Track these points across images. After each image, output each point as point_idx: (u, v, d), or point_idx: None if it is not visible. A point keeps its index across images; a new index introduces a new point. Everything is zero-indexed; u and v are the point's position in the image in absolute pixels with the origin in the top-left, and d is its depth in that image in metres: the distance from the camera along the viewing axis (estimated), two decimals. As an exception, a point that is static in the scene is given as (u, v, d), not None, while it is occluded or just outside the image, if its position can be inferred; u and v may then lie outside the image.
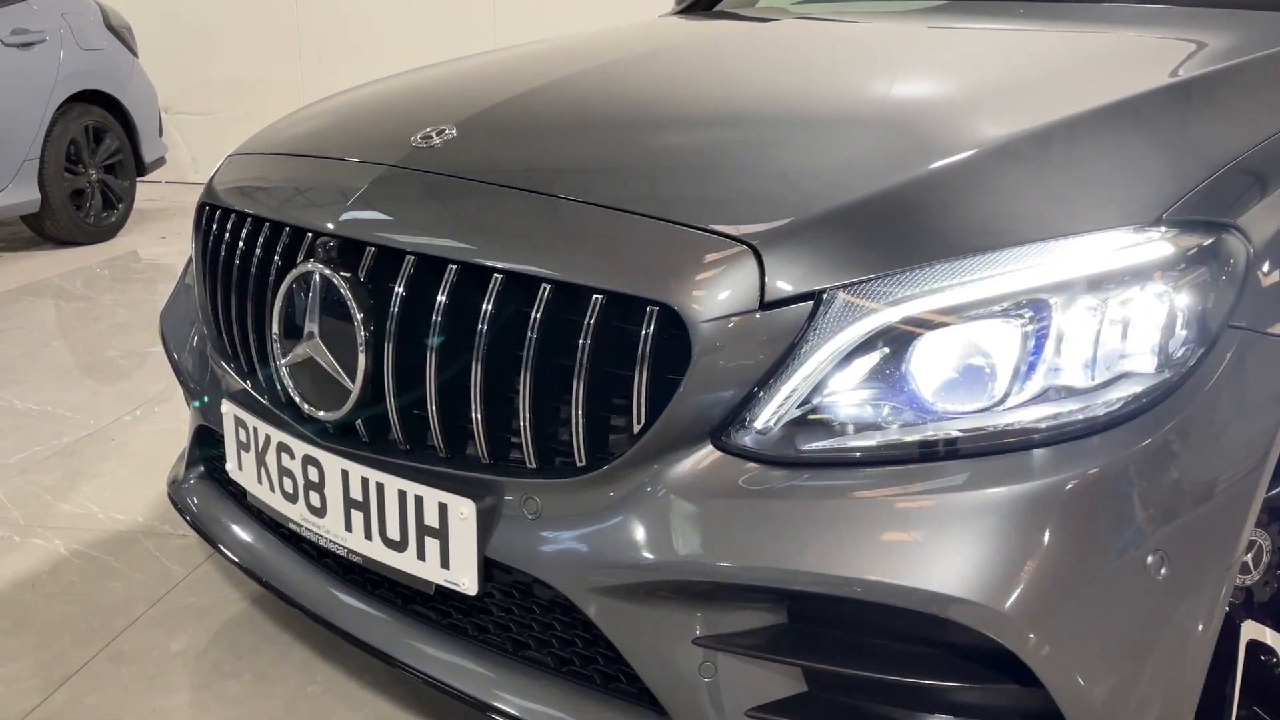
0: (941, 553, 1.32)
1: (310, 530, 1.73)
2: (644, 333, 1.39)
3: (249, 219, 1.82)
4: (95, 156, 6.16)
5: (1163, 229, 1.41)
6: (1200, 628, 1.38)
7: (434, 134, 1.76)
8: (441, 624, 1.70)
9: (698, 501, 1.41)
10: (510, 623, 1.64)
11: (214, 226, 1.92)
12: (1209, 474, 1.36)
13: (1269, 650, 1.78)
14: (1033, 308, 1.36)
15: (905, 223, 1.44)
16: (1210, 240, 1.42)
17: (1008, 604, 1.29)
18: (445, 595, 1.61)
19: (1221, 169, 1.51)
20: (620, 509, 1.43)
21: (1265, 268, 1.44)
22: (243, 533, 1.98)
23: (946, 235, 1.42)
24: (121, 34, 6.49)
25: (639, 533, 1.42)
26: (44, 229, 5.99)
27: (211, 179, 2.04)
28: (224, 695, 2.09)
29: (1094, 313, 1.36)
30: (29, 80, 5.71)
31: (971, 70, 2.02)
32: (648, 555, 1.41)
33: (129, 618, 2.35)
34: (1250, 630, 1.76)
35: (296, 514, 1.75)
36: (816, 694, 1.46)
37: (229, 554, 1.96)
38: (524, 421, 1.47)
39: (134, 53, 6.63)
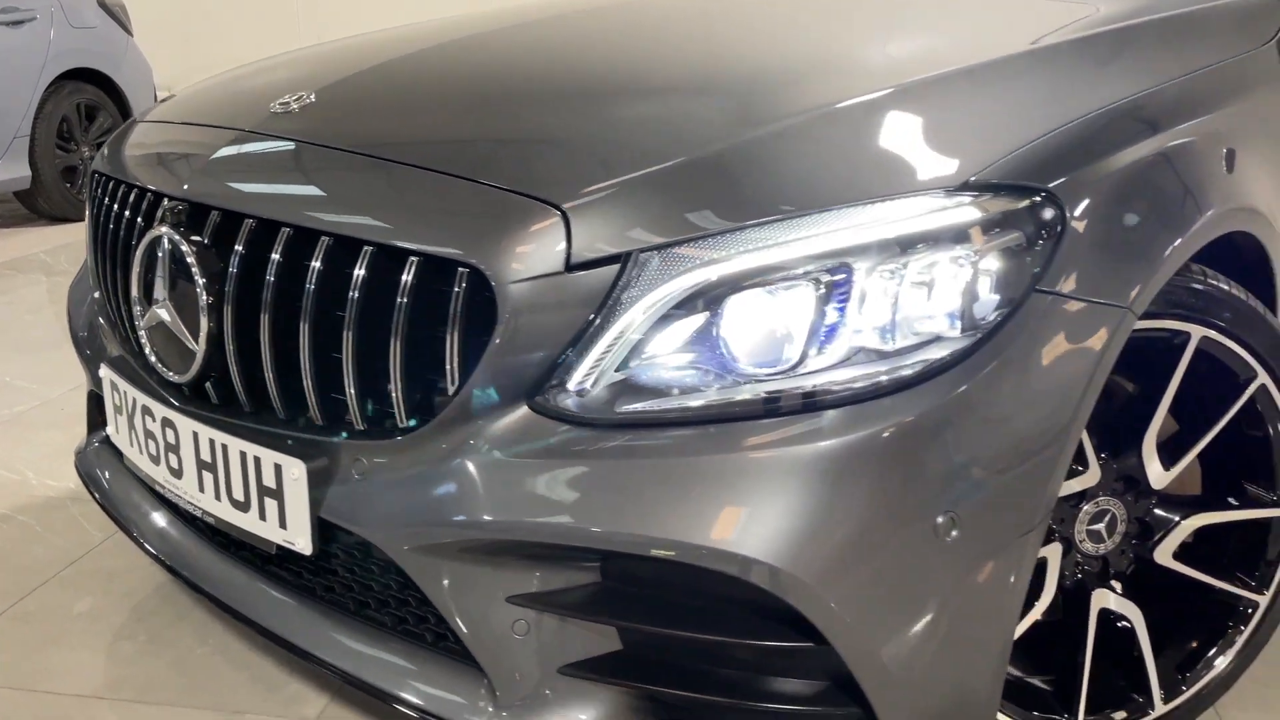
0: (737, 514, 1.33)
1: (172, 492, 1.76)
2: (454, 293, 1.40)
3: (123, 185, 1.85)
4: (88, 134, 6.23)
5: (972, 193, 1.40)
6: (998, 591, 1.39)
7: (293, 100, 1.78)
8: (293, 584, 1.72)
9: (511, 461, 1.42)
10: (353, 582, 1.66)
11: (101, 193, 1.95)
12: (1006, 438, 1.36)
13: (1123, 618, 1.78)
14: (838, 270, 1.36)
15: (713, 187, 1.44)
16: (1021, 205, 1.41)
17: (794, 564, 1.30)
18: (298, 556, 1.64)
19: (1042, 136, 1.50)
20: (438, 469, 1.45)
21: (1081, 234, 1.43)
22: (125, 495, 2.01)
23: (755, 199, 1.42)
24: (115, 12, 6.55)
25: (454, 492, 1.44)
26: (36, 205, 6.08)
27: (103, 147, 2.07)
28: (117, 655, 2.13)
29: (897, 276, 1.36)
30: (18, 58, 5.78)
31: (789, 36, 2.03)
32: (461, 514, 1.43)
33: (41, 579, 2.39)
34: (1102, 599, 1.76)
35: (161, 476, 1.78)
36: (630, 652, 1.47)
37: (116, 518, 2.00)
38: (348, 382, 1.49)
39: (128, 31, 6.69)
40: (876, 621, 1.34)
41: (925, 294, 1.37)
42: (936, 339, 1.36)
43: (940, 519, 1.33)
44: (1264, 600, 1.84)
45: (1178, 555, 1.82)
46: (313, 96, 1.78)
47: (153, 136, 1.95)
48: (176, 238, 1.63)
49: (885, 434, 1.32)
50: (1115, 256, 1.45)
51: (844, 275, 1.35)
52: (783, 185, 1.44)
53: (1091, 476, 1.68)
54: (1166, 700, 1.80)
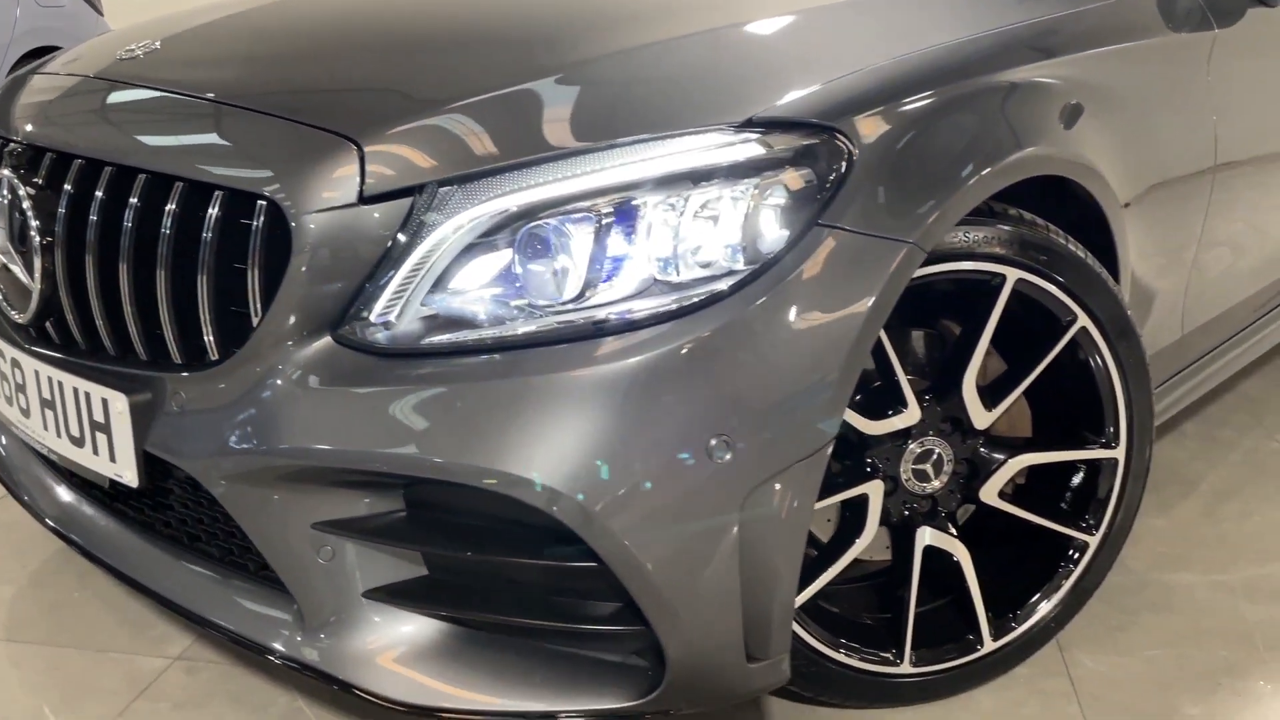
0: (520, 439, 1.38)
1: (23, 431, 1.81)
2: (254, 226, 1.45)
3: None
4: (51, 111, 6.25)
5: (758, 130, 1.44)
6: (778, 517, 1.42)
7: (138, 48, 1.82)
8: (135, 520, 1.77)
9: (313, 391, 1.46)
10: (186, 516, 1.71)
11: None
12: (782, 366, 1.40)
13: (951, 557, 1.82)
14: (624, 204, 1.40)
15: (505, 123, 1.48)
16: (807, 142, 1.45)
17: (570, 486, 1.35)
18: (140, 492, 1.68)
19: (841, 77, 1.54)
20: (245, 399, 1.49)
21: (869, 171, 1.47)
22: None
23: (545, 135, 1.46)
24: (83, -10, 6.59)
25: (260, 422, 1.48)
26: None
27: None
28: (-6, 599, 2.18)
29: (680, 209, 1.40)
30: (-19, 35, 5.82)
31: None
32: (265, 443, 1.47)
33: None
34: (926, 537, 1.80)
35: (14, 416, 1.83)
36: (435, 577, 1.52)
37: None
38: (164, 316, 1.54)
39: (98, 10, 6.73)
40: (652, 543, 1.38)
41: (708, 227, 1.41)
42: (718, 270, 1.40)
43: (713, 441, 1.37)
44: (1094, 541, 1.88)
45: (1009, 496, 1.85)
46: (157, 44, 1.83)
47: (21, 87, 2.00)
48: (16, 181, 1.68)
49: (661, 360, 1.36)
50: (903, 194, 1.49)
51: (630, 208, 1.39)
52: (573, 121, 1.49)
53: (912, 416, 1.71)
54: (996, 638, 1.84)
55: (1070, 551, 1.88)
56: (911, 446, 1.76)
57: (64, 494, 1.90)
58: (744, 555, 1.43)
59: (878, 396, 1.72)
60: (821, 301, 1.42)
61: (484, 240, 1.41)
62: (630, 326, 1.38)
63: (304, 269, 1.42)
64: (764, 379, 1.39)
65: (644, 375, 1.36)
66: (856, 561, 1.84)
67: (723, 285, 1.39)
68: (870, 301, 1.44)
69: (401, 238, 1.42)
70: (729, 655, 1.47)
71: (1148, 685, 1.93)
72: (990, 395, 1.78)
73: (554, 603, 1.49)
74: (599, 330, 1.38)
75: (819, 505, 1.65)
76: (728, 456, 1.37)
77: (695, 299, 1.38)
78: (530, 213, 1.40)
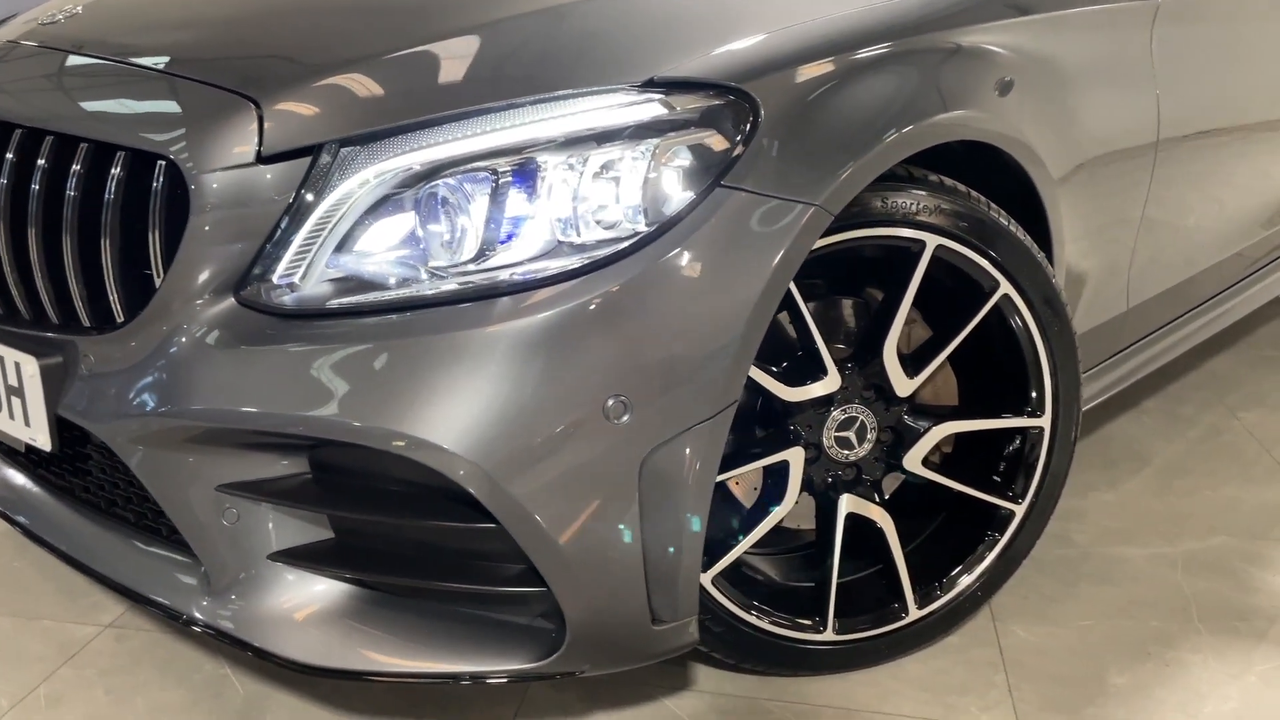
0: (416, 400, 1.38)
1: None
2: (154, 186, 1.44)
3: None
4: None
5: (661, 90, 1.43)
6: (679, 478, 1.42)
7: (61, 14, 1.82)
8: (55, 485, 1.77)
9: (216, 352, 1.46)
10: (103, 481, 1.71)
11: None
12: (680, 327, 1.39)
13: (874, 525, 1.81)
14: (524, 163, 1.40)
15: (407, 81, 1.48)
16: (712, 102, 1.44)
17: (464, 446, 1.35)
18: (59, 457, 1.68)
19: (752, 38, 1.53)
20: (151, 361, 1.49)
21: (776, 132, 1.46)
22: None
23: (446, 93, 1.46)
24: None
25: (165, 383, 1.48)
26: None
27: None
28: (-67, 569, 2.18)
29: (579, 169, 1.40)
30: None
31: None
32: (170, 404, 1.47)
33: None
34: (849, 504, 1.79)
35: (-59, 383, 1.83)
36: (341, 539, 1.52)
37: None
38: (71, 277, 1.53)
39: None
40: (548, 504, 1.37)
41: (610, 188, 1.40)
42: (620, 232, 1.40)
43: (611, 402, 1.36)
44: (1020, 511, 1.87)
45: (934, 465, 1.85)
46: (79, 9, 1.82)
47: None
48: None
49: (559, 321, 1.36)
50: (809, 156, 1.48)
51: (530, 168, 1.39)
52: (475, 81, 1.48)
53: (832, 383, 1.71)
54: (921, 606, 1.84)
55: (997, 521, 1.87)
56: (834, 414, 1.75)
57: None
58: (645, 517, 1.43)
59: (798, 363, 1.71)
60: (723, 263, 1.41)
61: (386, 201, 1.41)
62: (529, 287, 1.37)
63: (205, 228, 1.42)
64: (663, 341, 1.39)
65: (541, 336, 1.35)
66: (792, 531, 1.84)
67: (623, 246, 1.39)
68: (773, 263, 1.43)
69: (303, 197, 1.41)
70: (632, 617, 1.47)
71: (1077, 654, 1.93)
72: (914, 363, 1.77)
73: (459, 565, 1.49)
74: (498, 291, 1.38)
75: (739, 471, 1.65)
76: (626, 418, 1.37)
77: (595, 260, 1.37)
78: (430, 173, 1.40)
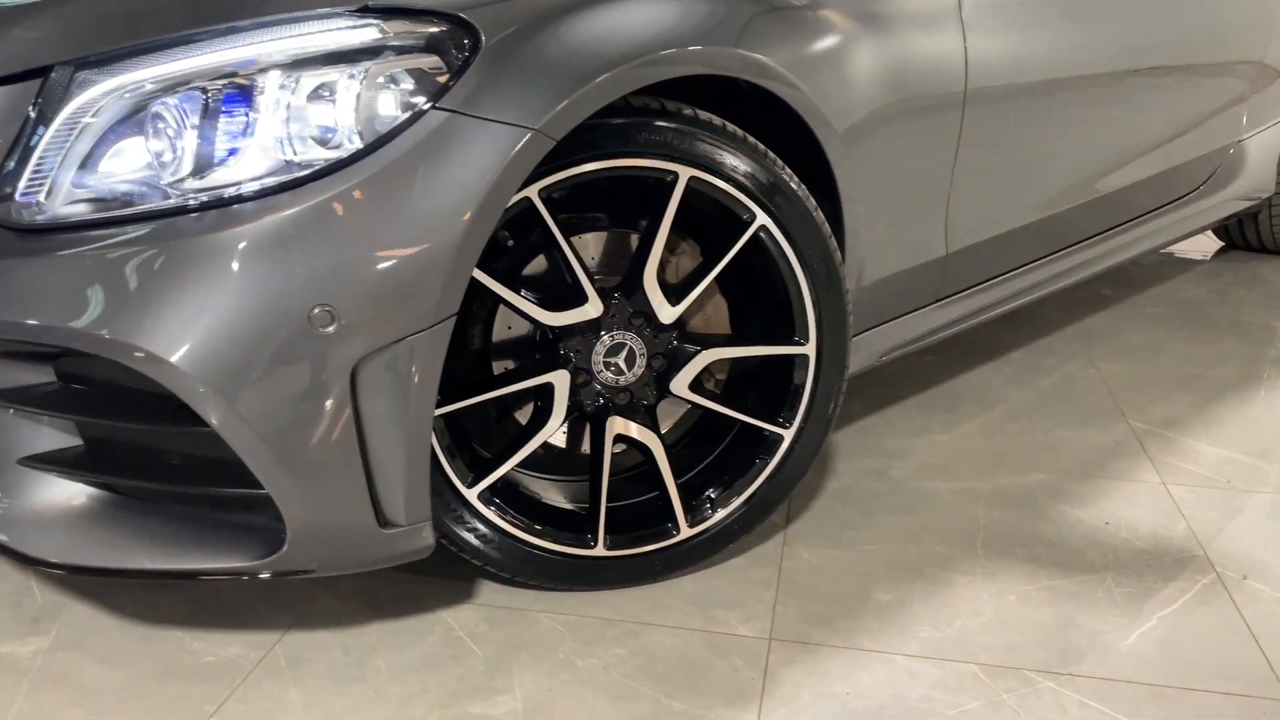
0: (136, 310, 1.47)
1: None
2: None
3: None
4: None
5: (378, 16, 1.52)
6: (395, 388, 1.52)
7: None
8: None
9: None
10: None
11: None
12: (392, 240, 1.48)
13: (644, 446, 1.91)
14: (242, 83, 1.49)
15: (133, 5, 1.57)
16: (428, 29, 1.53)
17: (176, 353, 1.44)
18: None
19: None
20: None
21: (495, 58, 1.54)
22: None
23: (170, 16, 1.55)
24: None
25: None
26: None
27: None
28: None
29: (295, 89, 1.49)
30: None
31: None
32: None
33: None
34: (617, 426, 1.89)
35: None
36: (89, 446, 1.62)
37: None
38: None
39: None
40: (260, 409, 1.47)
41: (326, 108, 1.50)
42: (332, 149, 1.49)
43: (316, 311, 1.46)
44: (789, 435, 1.96)
45: (710, 391, 1.94)
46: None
47: None
48: None
49: (269, 232, 1.46)
50: (529, 82, 1.56)
51: (249, 88, 1.48)
52: (199, 5, 1.57)
53: (592, 309, 1.80)
54: (692, 525, 1.93)
55: (766, 445, 1.96)
56: (603, 339, 1.84)
57: None
58: (364, 423, 1.52)
59: (562, 290, 1.80)
60: (433, 181, 1.50)
61: (123, 122, 1.50)
62: (244, 200, 1.47)
63: None
64: (371, 254, 1.48)
65: (251, 248, 1.45)
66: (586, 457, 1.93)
67: (333, 161, 1.48)
68: (486, 183, 1.52)
69: (38, 115, 1.50)
70: (357, 520, 1.56)
71: (850, 575, 2.02)
72: (678, 292, 1.86)
73: (194, 470, 1.59)
74: (219, 204, 1.47)
75: (502, 392, 1.76)
76: (331, 327, 1.46)
77: (306, 175, 1.46)
78: (156, 93, 1.49)
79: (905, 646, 1.80)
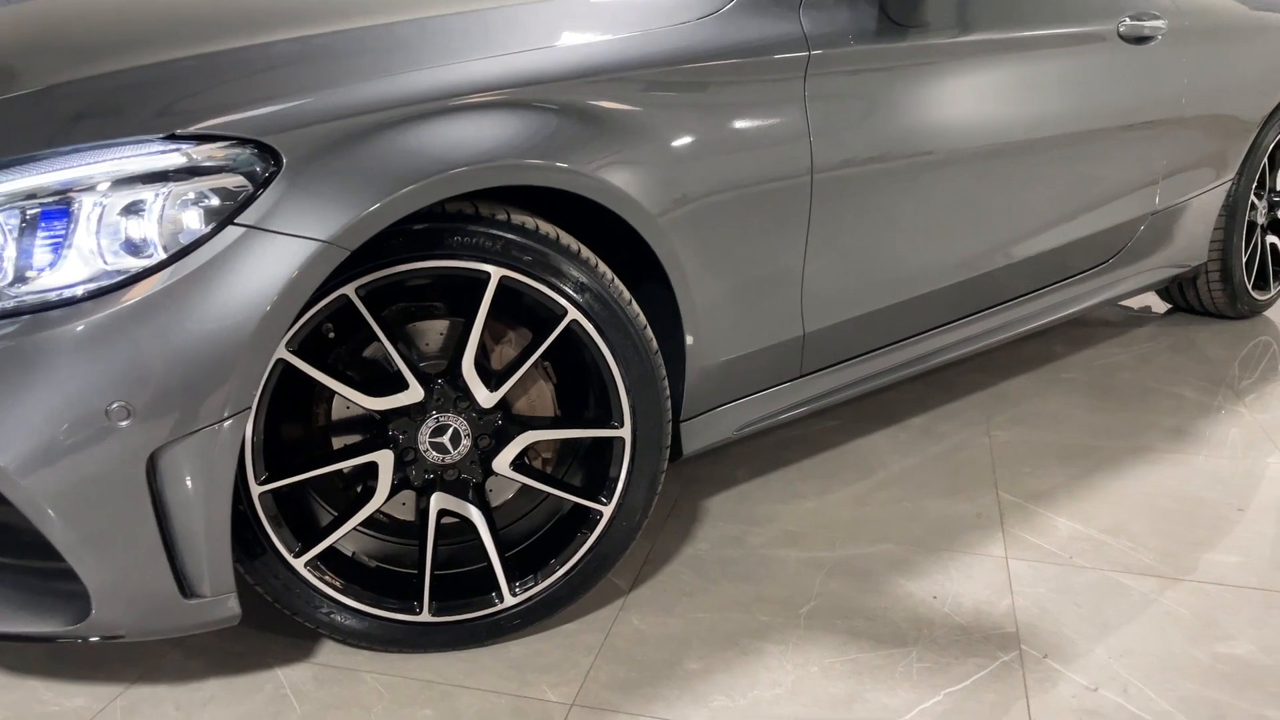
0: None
1: None
2: None
3: None
4: None
5: (186, 142, 1.71)
6: (192, 472, 1.69)
7: None
8: None
9: None
10: None
11: None
12: (185, 343, 1.65)
13: (468, 520, 2.07)
14: (60, 201, 1.68)
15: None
16: (230, 151, 1.71)
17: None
18: None
19: (302, 97, 1.79)
20: None
21: (294, 177, 1.72)
22: None
23: (10, 140, 1.74)
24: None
25: None
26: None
27: None
28: None
29: (106, 206, 1.67)
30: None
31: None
32: None
33: None
34: (441, 501, 2.05)
35: None
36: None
37: None
38: None
39: None
40: (58, 493, 1.65)
41: (135, 222, 1.68)
42: (140, 259, 1.67)
43: (114, 406, 1.64)
44: (608, 511, 2.11)
45: (528, 468, 2.10)
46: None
47: None
48: None
49: (72, 335, 1.63)
50: (326, 199, 1.73)
51: (64, 204, 1.67)
52: (34, 129, 1.76)
53: (414, 394, 1.97)
54: (517, 594, 2.09)
55: (589, 520, 2.11)
56: (428, 421, 2.01)
57: None
58: (166, 504, 1.70)
59: (387, 377, 1.97)
60: (228, 289, 1.67)
61: None
62: (54, 306, 1.65)
63: None
64: (167, 355, 1.65)
65: (57, 349, 1.63)
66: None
67: (136, 271, 1.65)
68: (278, 290, 1.69)
69: None
70: (160, 590, 1.74)
71: (671, 643, 2.15)
72: (498, 378, 2.02)
73: (11, 541, 1.77)
74: (30, 308, 1.65)
75: (327, 470, 1.93)
76: (126, 421, 1.64)
77: (113, 284, 1.65)
78: None
79: (696, 715, 1.93)
